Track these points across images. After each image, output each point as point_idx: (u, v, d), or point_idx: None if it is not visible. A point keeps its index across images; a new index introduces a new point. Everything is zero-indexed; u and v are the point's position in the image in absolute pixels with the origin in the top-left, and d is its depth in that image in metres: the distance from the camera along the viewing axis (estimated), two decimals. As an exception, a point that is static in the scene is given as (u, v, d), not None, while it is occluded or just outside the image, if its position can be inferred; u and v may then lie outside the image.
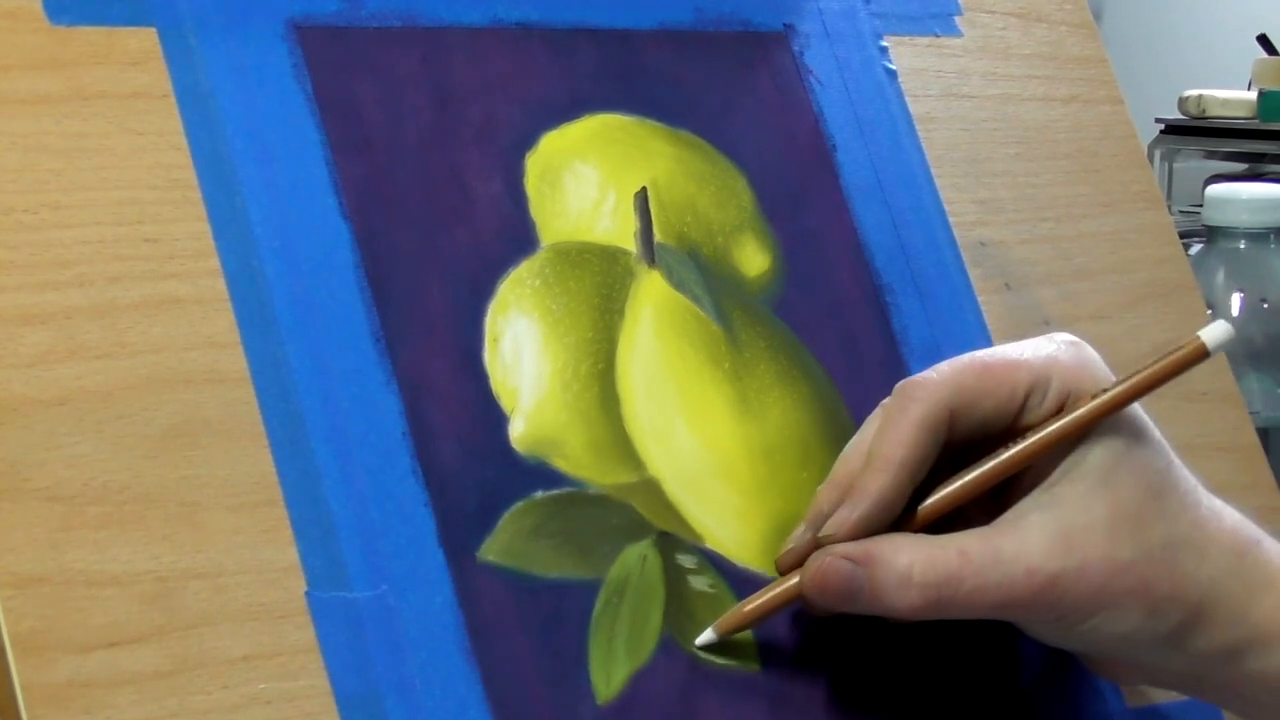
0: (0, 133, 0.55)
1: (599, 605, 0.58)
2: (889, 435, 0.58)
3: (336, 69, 0.60)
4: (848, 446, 0.60)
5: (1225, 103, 3.00)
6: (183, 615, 0.52)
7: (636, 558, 0.59)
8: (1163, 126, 3.03)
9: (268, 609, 0.53)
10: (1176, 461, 0.60)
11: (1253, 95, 2.96)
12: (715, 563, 0.60)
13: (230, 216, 0.57)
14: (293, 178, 0.58)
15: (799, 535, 0.59)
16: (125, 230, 0.55)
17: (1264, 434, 0.76)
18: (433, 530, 0.56)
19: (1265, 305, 0.97)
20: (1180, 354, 0.59)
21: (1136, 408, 0.60)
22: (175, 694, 0.51)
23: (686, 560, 0.60)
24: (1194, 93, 3.00)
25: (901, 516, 0.58)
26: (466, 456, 0.58)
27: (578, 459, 0.59)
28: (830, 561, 0.57)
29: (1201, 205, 0.98)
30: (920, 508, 0.59)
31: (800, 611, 0.60)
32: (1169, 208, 0.78)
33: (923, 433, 0.58)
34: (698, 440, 0.61)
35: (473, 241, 0.61)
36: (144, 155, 0.57)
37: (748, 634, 0.59)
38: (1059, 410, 0.59)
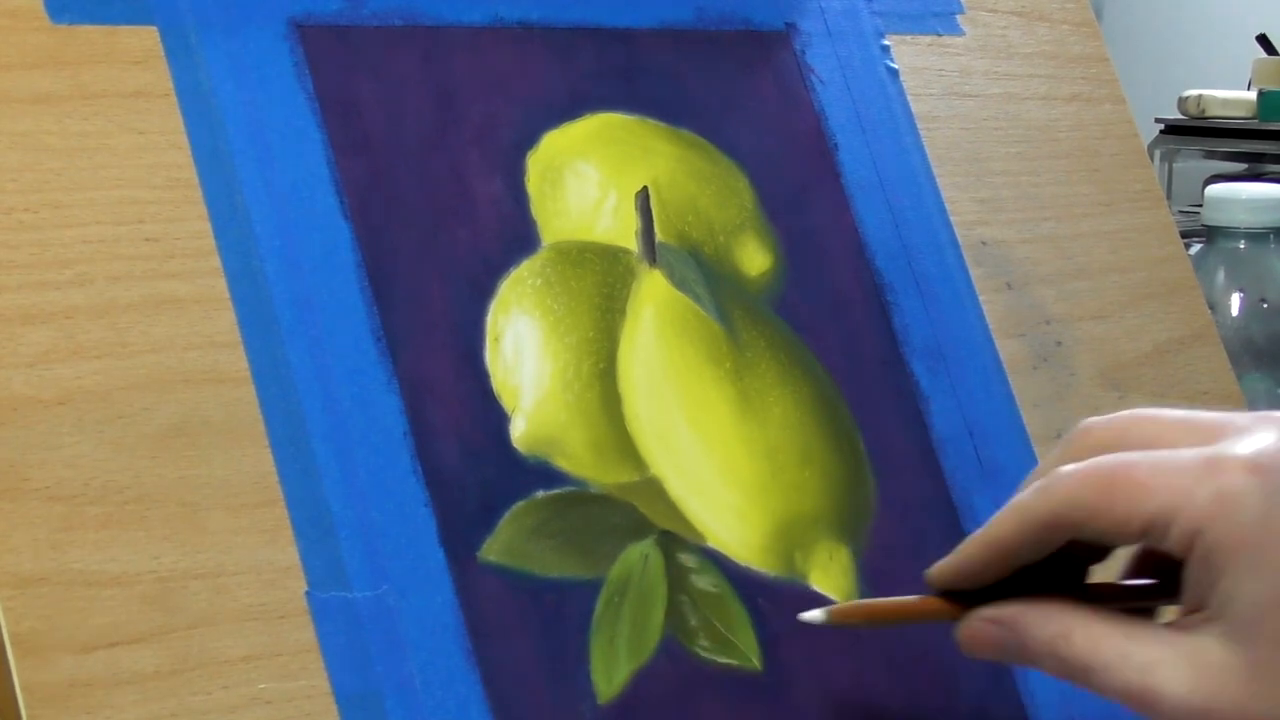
0: (1, 132, 0.55)
1: (600, 605, 0.58)
2: (1000, 516, 0.55)
3: (338, 68, 0.60)
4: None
5: (1225, 103, 3.01)
6: (183, 615, 0.52)
7: (638, 557, 0.59)
8: (1163, 126, 3.04)
9: (268, 609, 0.53)
10: None
11: (1252, 95, 2.97)
12: (717, 562, 0.60)
13: (231, 216, 0.57)
14: (294, 177, 0.58)
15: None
16: (126, 230, 0.55)
17: (1265, 434, 0.76)
18: (433, 530, 0.56)
19: (1265, 305, 0.97)
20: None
21: None
22: (175, 694, 0.51)
23: (688, 559, 0.60)
24: (1194, 93, 3.01)
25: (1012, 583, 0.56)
26: (467, 456, 0.58)
27: (579, 458, 0.59)
28: (978, 626, 0.56)
29: (1201, 205, 0.98)
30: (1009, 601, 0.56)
31: (799, 611, 0.60)
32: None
33: (1026, 529, 0.54)
34: (699, 439, 0.61)
35: (474, 241, 0.61)
36: (145, 154, 0.56)
37: (749, 634, 0.59)
38: (1189, 549, 0.52)
